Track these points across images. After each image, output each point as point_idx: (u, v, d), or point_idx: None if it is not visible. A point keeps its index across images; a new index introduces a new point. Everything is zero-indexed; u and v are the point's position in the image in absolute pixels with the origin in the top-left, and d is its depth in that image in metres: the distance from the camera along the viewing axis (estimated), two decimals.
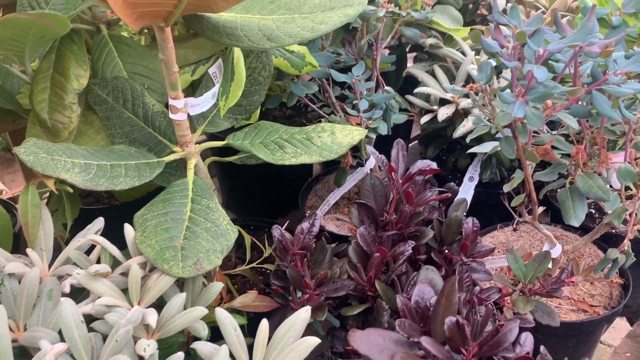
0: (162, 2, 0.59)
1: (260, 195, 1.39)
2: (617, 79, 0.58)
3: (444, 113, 1.01)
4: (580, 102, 0.69)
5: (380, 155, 0.84)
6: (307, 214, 1.11)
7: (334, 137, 0.86)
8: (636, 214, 0.69)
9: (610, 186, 0.70)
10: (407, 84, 1.27)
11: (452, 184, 0.89)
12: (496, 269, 0.94)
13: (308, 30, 0.61)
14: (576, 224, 0.68)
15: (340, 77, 0.95)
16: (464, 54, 1.12)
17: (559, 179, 0.74)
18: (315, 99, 1.11)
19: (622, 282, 0.90)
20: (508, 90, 0.63)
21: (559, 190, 0.72)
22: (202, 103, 0.83)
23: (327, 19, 0.61)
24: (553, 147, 0.72)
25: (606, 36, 0.82)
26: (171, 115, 0.80)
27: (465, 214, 0.90)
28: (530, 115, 0.59)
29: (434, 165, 0.84)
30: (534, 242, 1.02)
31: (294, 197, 1.17)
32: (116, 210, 1.15)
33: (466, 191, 1.10)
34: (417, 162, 0.85)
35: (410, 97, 1.11)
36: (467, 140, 0.85)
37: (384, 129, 1.01)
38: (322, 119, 1.01)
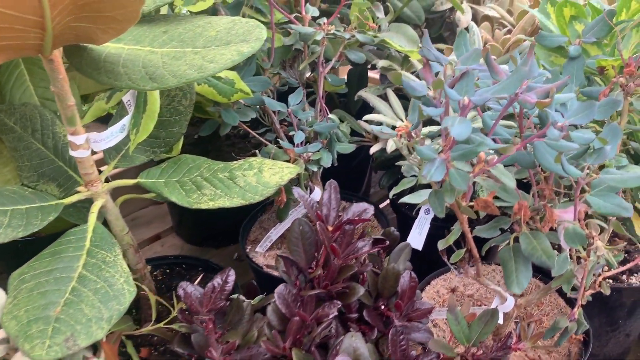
0: (22, 35, 0.49)
1: (212, 220, 1.29)
2: (556, 134, 0.49)
3: (391, 145, 0.91)
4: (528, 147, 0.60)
5: (309, 199, 0.74)
6: (247, 250, 1.02)
7: (261, 177, 0.76)
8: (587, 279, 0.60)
9: (559, 246, 0.61)
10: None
11: (392, 228, 0.80)
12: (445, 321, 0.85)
13: (195, 69, 0.51)
14: (517, 290, 0.59)
15: (275, 105, 0.86)
16: (420, 77, 1.02)
17: (503, 233, 0.65)
18: (261, 121, 1.02)
19: (582, 338, 0.81)
20: (429, 143, 0.53)
21: (500, 247, 0.63)
22: (108, 138, 0.73)
23: (218, 56, 0.52)
24: (496, 198, 0.63)
25: (563, 68, 0.73)
26: (72, 152, 0.71)
27: (409, 259, 0.81)
28: (454, 175, 0.49)
29: (370, 210, 0.75)
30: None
31: (250, 223, 1.08)
32: (41, 243, 1.05)
33: (422, 225, 1.01)
34: (352, 205, 0.75)
35: (362, 123, 1.02)
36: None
37: (327, 161, 0.91)
38: (260, 150, 0.91)
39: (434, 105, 0.55)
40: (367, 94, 1.03)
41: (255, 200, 0.74)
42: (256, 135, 0.96)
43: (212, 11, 0.91)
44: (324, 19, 0.87)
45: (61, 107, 0.66)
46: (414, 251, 0.98)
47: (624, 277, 0.91)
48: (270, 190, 0.75)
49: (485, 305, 0.89)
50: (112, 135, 0.74)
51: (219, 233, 1.31)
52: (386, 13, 1.20)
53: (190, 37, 0.55)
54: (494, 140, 0.64)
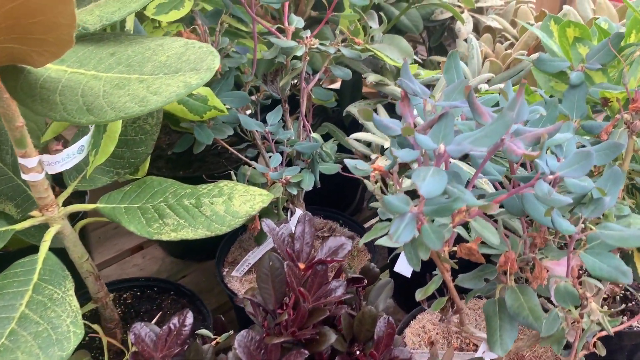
0: None
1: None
2: (545, 190, 0.42)
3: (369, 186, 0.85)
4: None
5: (280, 232, 0.68)
6: (224, 273, 0.96)
7: (230, 205, 0.70)
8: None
9: (551, 301, 0.55)
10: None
11: (371, 265, 0.73)
12: None
13: (137, 102, 0.45)
14: (501, 353, 0.53)
15: (251, 124, 0.80)
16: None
17: (489, 283, 0.58)
18: (242, 135, 0.96)
19: None
20: (409, 185, 0.47)
21: (485, 300, 0.57)
22: (64, 160, 0.67)
23: (164, 87, 0.45)
24: (482, 243, 0.56)
25: (564, 97, 0.66)
26: (23, 176, 0.65)
27: (391, 296, 0.75)
28: (427, 232, 0.43)
29: (348, 245, 0.68)
30: (480, 321, 0.87)
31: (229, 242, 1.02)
32: (7, 259, 1.00)
33: None
34: (328, 239, 0.69)
35: (351, 141, 0.96)
36: None
37: (309, 183, 0.85)
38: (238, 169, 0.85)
39: (411, 146, 0.49)
40: (355, 110, 0.97)
41: (222, 232, 0.68)
42: (235, 152, 0.90)
43: (189, 19, 0.85)
44: (308, 32, 0.80)
45: (9, 128, 0.60)
46: (403, 279, 0.92)
47: (624, 318, 0.84)
48: (239, 221, 0.69)
49: (473, 344, 0.83)
50: (69, 157, 0.68)
51: (201, 247, 1.25)
52: (381, 22, 1.14)
53: (138, 61, 0.49)
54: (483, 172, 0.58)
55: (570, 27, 0.71)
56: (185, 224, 0.68)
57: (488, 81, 0.94)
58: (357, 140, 0.95)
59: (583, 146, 0.59)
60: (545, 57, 0.68)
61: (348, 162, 0.58)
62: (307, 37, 0.78)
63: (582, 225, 0.48)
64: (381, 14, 1.01)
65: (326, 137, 1.02)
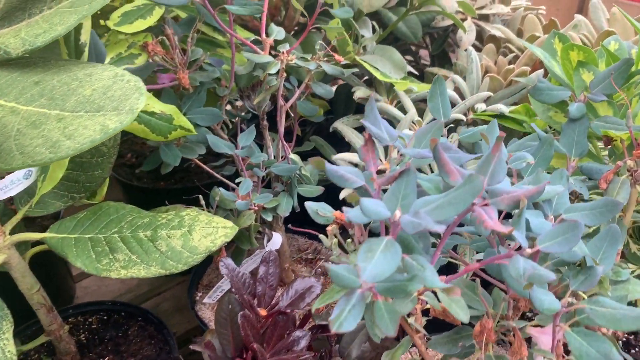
0: None
1: None
2: (520, 270, 0.35)
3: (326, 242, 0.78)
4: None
5: (240, 273, 0.62)
6: (196, 298, 0.90)
7: (188, 239, 0.64)
8: None
9: None
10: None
11: None
12: None
13: (48, 147, 0.39)
14: None
15: (220, 146, 0.73)
16: (404, 110, 0.88)
17: (466, 347, 0.51)
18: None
19: None
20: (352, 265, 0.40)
21: None
22: (8, 186, 0.62)
23: (80, 129, 0.39)
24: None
25: (562, 131, 0.58)
26: None
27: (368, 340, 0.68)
28: (380, 312, 0.36)
29: (316, 290, 0.62)
30: None
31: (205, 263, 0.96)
32: None
33: None
34: (295, 281, 0.63)
35: (337, 160, 0.89)
36: None
37: (286, 208, 0.79)
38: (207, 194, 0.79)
39: (371, 196, 0.42)
40: (343, 126, 0.90)
41: (178, 270, 0.62)
42: (210, 171, 0.83)
43: (160, 28, 0.78)
44: (287, 46, 0.73)
45: None
46: None
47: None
48: (197, 258, 0.63)
49: None
50: (14, 183, 0.62)
51: None
52: (377, 29, 1.06)
53: (63, 93, 0.42)
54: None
55: (573, 50, 0.64)
56: (137, 261, 0.62)
57: (487, 99, 0.87)
58: (343, 160, 0.88)
59: (578, 198, 0.52)
60: (543, 85, 0.61)
61: (309, 205, 0.51)
62: (283, 52, 0.71)
63: (570, 299, 0.41)
64: (374, 23, 0.94)
65: (316, 152, 0.95)
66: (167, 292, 1.19)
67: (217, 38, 0.81)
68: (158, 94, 0.76)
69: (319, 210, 0.50)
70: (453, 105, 0.86)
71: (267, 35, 0.75)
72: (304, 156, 0.96)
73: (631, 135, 0.50)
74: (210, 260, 0.96)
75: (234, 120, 0.89)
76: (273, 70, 0.68)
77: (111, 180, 1.01)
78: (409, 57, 1.28)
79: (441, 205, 0.35)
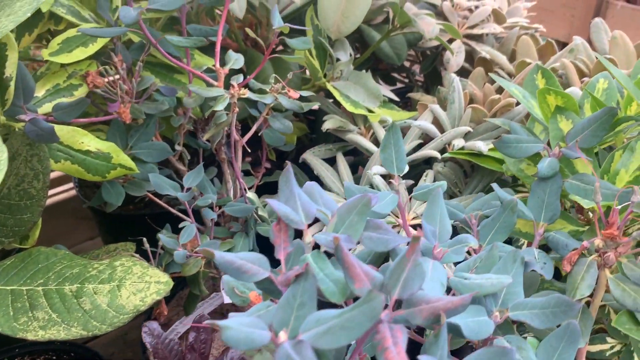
0: None
1: None
2: None
3: None
4: None
5: (167, 339, 0.56)
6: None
7: (116, 296, 0.58)
8: None
9: None
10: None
11: None
12: None
13: None
14: None
15: (163, 187, 0.67)
16: (377, 142, 0.81)
17: None
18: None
19: None
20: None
21: None
22: None
23: None
24: None
25: (531, 191, 0.51)
26: None
27: None
28: None
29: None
30: None
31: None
32: None
33: None
34: (228, 351, 0.56)
35: None
36: None
37: (242, 250, 0.72)
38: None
39: (279, 292, 0.35)
40: (312, 158, 0.83)
41: (102, 332, 0.56)
42: (164, 205, 0.77)
43: (107, 55, 0.72)
44: (240, 78, 0.67)
45: None
46: None
47: None
48: (123, 319, 0.57)
49: None
50: None
51: None
52: (352, 53, 0.99)
53: None
54: None
55: (550, 94, 0.56)
56: (58, 320, 0.56)
57: (467, 133, 0.79)
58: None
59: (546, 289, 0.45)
60: (510, 137, 0.53)
61: (225, 280, 0.45)
62: (234, 86, 0.64)
63: None
64: (360, 41, 0.87)
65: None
66: (135, 320, 1.14)
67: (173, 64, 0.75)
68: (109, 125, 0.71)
69: (236, 288, 0.43)
70: (430, 139, 0.79)
71: (224, 63, 0.69)
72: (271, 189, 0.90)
73: (600, 213, 0.42)
74: (172, 296, 0.91)
75: (199, 147, 0.83)
76: (219, 107, 0.62)
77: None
78: (399, 75, 1.21)
79: (332, 329, 0.28)
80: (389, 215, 0.66)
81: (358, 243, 0.37)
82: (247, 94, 0.65)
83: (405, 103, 1.14)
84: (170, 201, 0.79)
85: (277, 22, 0.66)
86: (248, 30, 0.82)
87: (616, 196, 0.44)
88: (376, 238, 0.38)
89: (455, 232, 0.59)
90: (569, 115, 0.55)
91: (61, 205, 1.33)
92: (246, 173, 0.90)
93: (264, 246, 0.76)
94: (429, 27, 0.80)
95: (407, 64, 1.26)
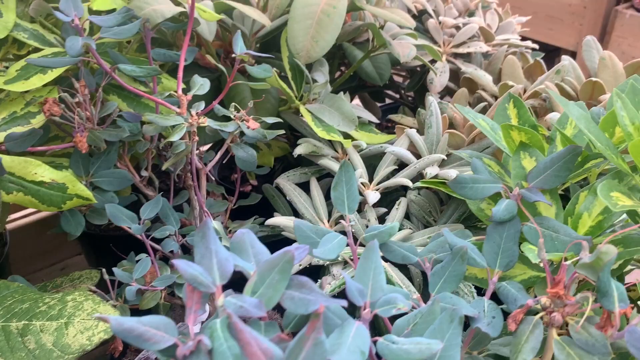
0: None
1: None
2: None
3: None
4: None
5: None
6: None
7: (62, 335, 0.56)
8: None
9: None
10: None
11: None
12: None
13: None
14: None
15: (119, 219, 0.65)
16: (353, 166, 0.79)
17: None
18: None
19: None
20: None
21: None
22: None
23: None
24: None
25: (487, 235, 0.48)
26: None
27: None
28: None
29: None
30: None
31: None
32: None
33: None
34: None
35: (270, 222, 0.80)
36: None
37: None
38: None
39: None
40: (285, 183, 0.81)
41: None
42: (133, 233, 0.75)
43: (74, 76, 0.71)
44: (202, 105, 0.65)
45: None
46: None
47: None
48: (69, 359, 0.55)
49: None
50: None
51: None
52: (338, 67, 0.97)
53: None
54: None
55: (513, 131, 0.53)
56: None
57: (445, 159, 0.76)
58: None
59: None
60: (465, 177, 0.51)
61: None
62: (193, 115, 0.62)
63: None
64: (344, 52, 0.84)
65: (267, 203, 0.87)
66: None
67: (140, 89, 0.73)
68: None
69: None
70: (404, 165, 0.76)
71: (187, 89, 0.67)
72: (250, 211, 0.88)
73: (546, 271, 0.39)
74: None
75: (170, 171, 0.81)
76: (175, 138, 0.60)
77: None
78: (389, 92, 1.18)
79: None
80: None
81: (274, 309, 0.35)
82: (207, 122, 0.63)
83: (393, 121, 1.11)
84: None
85: (239, 49, 0.64)
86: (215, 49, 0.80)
87: (565, 249, 0.41)
88: (298, 298, 0.36)
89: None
90: (532, 153, 0.52)
91: (49, 220, 1.32)
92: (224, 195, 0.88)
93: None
94: (405, 49, 0.77)
95: (399, 79, 1.23)
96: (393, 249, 0.50)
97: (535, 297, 0.42)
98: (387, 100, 1.23)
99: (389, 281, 0.65)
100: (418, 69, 1.10)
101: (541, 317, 0.40)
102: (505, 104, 0.62)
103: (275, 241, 0.83)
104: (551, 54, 2.46)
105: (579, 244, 0.45)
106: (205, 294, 0.35)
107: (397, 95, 1.21)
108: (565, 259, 0.42)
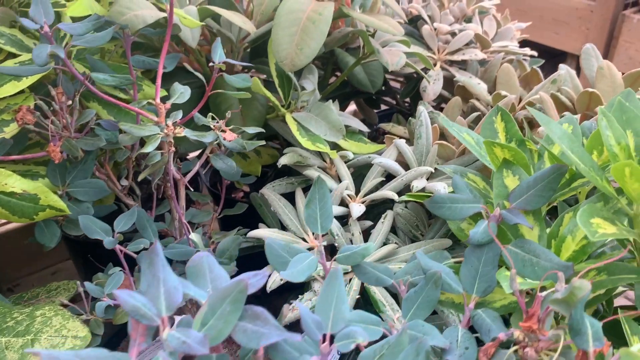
0: None
1: None
2: None
3: (273, 280, 0.67)
4: None
5: None
6: None
7: (27, 354, 0.54)
8: None
9: None
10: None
11: None
12: None
13: None
14: None
15: (92, 231, 0.63)
16: (339, 177, 0.77)
17: None
18: None
19: None
20: None
21: None
22: None
23: None
24: None
25: (465, 258, 0.46)
26: None
27: None
28: None
29: None
30: None
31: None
32: None
33: None
34: None
35: (251, 234, 0.77)
36: None
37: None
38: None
39: None
40: (270, 193, 0.78)
41: None
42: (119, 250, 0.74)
43: (52, 83, 0.69)
44: (179, 114, 0.63)
45: None
46: None
47: None
48: None
49: None
50: None
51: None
52: (332, 72, 0.95)
53: None
54: None
55: (496, 147, 0.51)
56: None
57: (434, 172, 0.74)
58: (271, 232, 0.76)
59: None
60: (442, 197, 0.48)
61: None
62: (169, 125, 0.60)
63: None
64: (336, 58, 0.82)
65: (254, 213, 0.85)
66: None
67: (119, 97, 0.72)
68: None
69: None
70: (391, 177, 0.74)
71: (166, 98, 0.65)
72: (239, 219, 0.86)
73: (520, 303, 0.37)
74: (117, 345, 0.87)
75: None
76: (149, 149, 0.58)
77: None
78: (384, 97, 1.16)
79: None
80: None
81: (226, 340, 0.33)
82: (183, 132, 0.61)
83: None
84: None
85: (218, 58, 0.62)
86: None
87: (542, 278, 0.38)
88: (251, 331, 0.34)
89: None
90: (516, 171, 0.50)
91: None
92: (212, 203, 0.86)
93: (247, 266, 0.72)
94: (395, 57, 0.75)
95: (397, 85, 1.20)
96: (367, 271, 0.48)
97: (510, 328, 0.40)
98: (384, 107, 1.21)
99: (372, 299, 0.63)
100: (414, 75, 1.07)
101: (515, 351, 0.37)
102: (493, 117, 0.60)
103: (261, 252, 0.80)
104: (557, 58, 2.43)
105: (562, 271, 0.42)
106: (148, 330, 0.33)
107: (394, 102, 1.19)
108: (544, 288, 0.39)
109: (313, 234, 0.75)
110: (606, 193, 0.42)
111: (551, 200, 0.50)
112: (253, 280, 0.37)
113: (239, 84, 0.61)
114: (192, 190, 0.80)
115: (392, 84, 1.20)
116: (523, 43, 1.10)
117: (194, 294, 0.35)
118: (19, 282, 1.24)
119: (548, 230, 0.48)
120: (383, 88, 1.17)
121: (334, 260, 0.49)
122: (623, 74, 0.83)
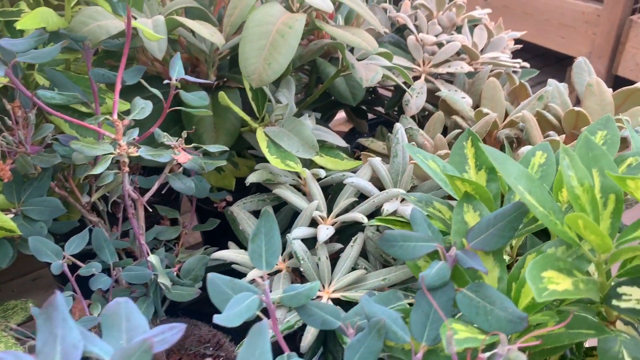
0: None
1: None
2: None
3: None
4: None
5: None
6: None
7: None
8: None
9: None
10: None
11: None
12: None
13: None
14: None
15: (44, 254, 0.61)
16: (312, 196, 0.74)
17: None
18: None
19: None
20: None
21: None
22: None
23: None
24: None
25: (415, 303, 0.43)
26: None
27: None
28: None
29: None
30: None
31: None
32: None
33: None
34: None
35: (217, 256, 0.74)
36: None
37: (145, 314, 0.66)
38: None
39: None
40: (239, 211, 0.75)
41: None
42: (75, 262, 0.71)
43: (10, 97, 0.67)
44: (135, 133, 0.60)
45: None
46: None
47: None
48: None
49: None
50: None
51: None
52: (317, 83, 0.91)
53: None
54: None
55: (457, 180, 0.47)
56: None
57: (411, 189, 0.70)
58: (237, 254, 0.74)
59: None
60: (394, 235, 0.45)
61: None
62: (121, 145, 0.57)
63: None
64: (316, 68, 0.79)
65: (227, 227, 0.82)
66: None
67: (82, 111, 0.69)
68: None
69: None
70: (364, 197, 0.71)
71: (129, 112, 0.62)
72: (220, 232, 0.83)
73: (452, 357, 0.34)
74: None
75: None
76: (98, 170, 0.55)
77: None
78: (371, 107, 1.13)
79: None
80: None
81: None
82: (137, 152, 0.58)
83: (373, 136, 1.06)
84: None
85: (176, 74, 0.59)
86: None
87: (485, 337, 0.35)
88: None
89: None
90: (477, 206, 0.46)
91: None
92: (173, 222, 0.83)
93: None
94: (370, 73, 0.71)
95: (388, 93, 1.17)
96: (312, 312, 0.45)
97: None
98: (372, 116, 1.17)
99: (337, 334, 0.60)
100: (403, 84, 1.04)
101: None
102: (463, 142, 0.56)
103: (230, 270, 0.78)
104: (563, 62, 2.38)
105: (516, 323, 0.39)
106: None
107: (383, 111, 1.15)
108: (493, 345, 0.36)
109: (282, 254, 0.72)
110: (566, 240, 0.39)
111: (518, 235, 0.46)
112: (168, 334, 0.34)
113: (195, 102, 0.58)
114: (158, 206, 0.77)
115: (383, 92, 1.16)
116: (526, 48, 1.06)
117: (97, 352, 0.32)
118: None
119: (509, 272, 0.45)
120: (372, 97, 1.13)
121: (279, 300, 0.46)
122: (630, 82, 0.79)
